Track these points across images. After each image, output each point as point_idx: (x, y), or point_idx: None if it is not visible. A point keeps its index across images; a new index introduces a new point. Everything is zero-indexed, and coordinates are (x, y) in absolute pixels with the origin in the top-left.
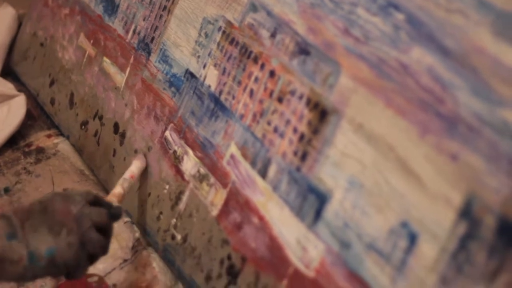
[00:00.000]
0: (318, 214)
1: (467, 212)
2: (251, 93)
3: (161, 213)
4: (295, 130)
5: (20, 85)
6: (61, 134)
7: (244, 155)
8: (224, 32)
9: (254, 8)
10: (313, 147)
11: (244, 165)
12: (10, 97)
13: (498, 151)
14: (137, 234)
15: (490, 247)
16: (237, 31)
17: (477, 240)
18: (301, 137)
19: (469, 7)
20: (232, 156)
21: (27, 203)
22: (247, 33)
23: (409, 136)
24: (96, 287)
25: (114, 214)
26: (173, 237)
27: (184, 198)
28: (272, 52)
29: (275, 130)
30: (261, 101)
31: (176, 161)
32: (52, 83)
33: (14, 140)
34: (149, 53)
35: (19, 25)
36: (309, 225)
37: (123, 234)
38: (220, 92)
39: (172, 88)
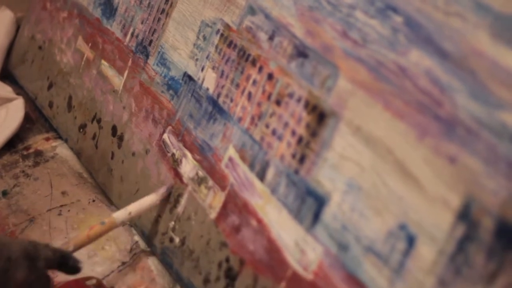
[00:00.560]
0: (316, 216)
1: (465, 215)
2: (249, 96)
3: (159, 216)
4: (293, 133)
5: (18, 88)
6: (59, 137)
7: (243, 158)
8: (222, 35)
9: (252, 11)
10: (311, 150)
11: (243, 168)
12: (8, 100)
13: (497, 154)
14: (136, 237)
15: (489, 250)
16: (235, 34)
17: (475, 242)
18: (299, 139)
19: (467, 9)
20: (230, 159)
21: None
22: (245, 36)
23: (407, 139)
24: None
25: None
26: (172, 240)
27: (183, 201)
28: (270, 55)
29: (273, 132)
30: (259, 104)
31: (174, 164)
32: (50, 86)
33: (12, 143)
34: (147, 56)
35: (17, 28)
36: (307, 227)
37: (121, 237)
38: (218, 95)
39: (170, 91)
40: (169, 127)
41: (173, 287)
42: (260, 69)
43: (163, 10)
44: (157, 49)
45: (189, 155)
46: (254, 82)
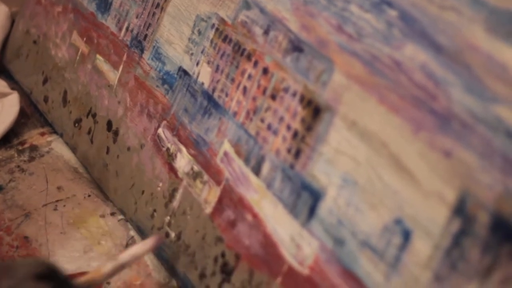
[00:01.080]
0: (312, 211)
1: (460, 209)
2: (245, 90)
3: (154, 210)
4: (288, 128)
5: (13, 83)
6: (54, 132)
7: (238, 153)
8: (217, 29)
9: (247, 5)
10: (307, 144)
11: (238, 163)
12: (3, 95)
13: (492, 148)
14: (131, 232)
15: (484, 244)
16: (230, 28)
17: (471, 237)
18: (295, 134)
19: (462, 3)
20: (225, 154)
21: None
22: (240, 31)
23: (402, 133)
24: None
25: None
26: (167, 235)
27: (178, 195)
28: (265, 49)
29: (269, 127)
30: (254, 99)
31: (169, 158)
32: (45, 81)
33: (7, 138)
34: (142, 51)
35: (12, 23)
36: (303, 222)
37: (116, 232)
38: (213, 90)
39: (165, 86)
40: (164, 122)
41: (169, 282)
42: (255, 63)
43: (158, 4)
44: (152, 43)
45: (184, 149)
46: (249, 76)
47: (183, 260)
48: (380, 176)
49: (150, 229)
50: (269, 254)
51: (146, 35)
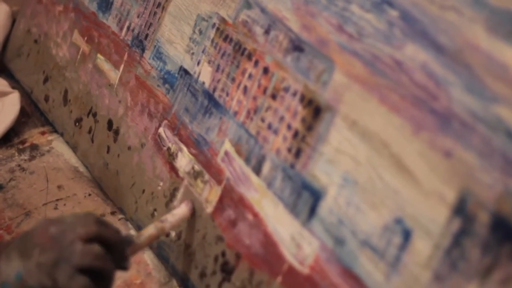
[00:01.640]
0: (312, 211)
1: (461, 209)
2: (245, 90)
3: (155, 210)
4: (289, 127)
5: (14, 82)
6: (55, 131)
7: (238, 152)
8: (218, 29)
9: (248, 5)
10: (307, 144)
11: (239, 162)
12: (4, 94)
13: (492, 148)
14: (132, 231)
15: (484, 244)
16: (231, 28)
17: (471, 236)
18: (295, 134)
19: (463, 4)
20: (226, 153)
21: None
22: (241, 30)
23: (403, 133)
24: None
25: (120, 240)
26: (168, 234)
27: (179, 195)
28: (266, 49)
29: (269, 127)
30: (255, 98)
31: (170, 158)
32: (46, 80)
33: (8, 137)
34: (143, 50)
35: (13, 22)
36: (304, 222)
37: None
38: (214, 89)
39: (166, 85)
40: (165, 121)
41: (169, 281)
42: (256, 63)
43: (159, 4)
44: (153, 43)
45: (184, 149)
46: (250, 76)
47: (183, 259)
48: (380, 176)
49: None
50: (269, 254)
51: (147, 35)
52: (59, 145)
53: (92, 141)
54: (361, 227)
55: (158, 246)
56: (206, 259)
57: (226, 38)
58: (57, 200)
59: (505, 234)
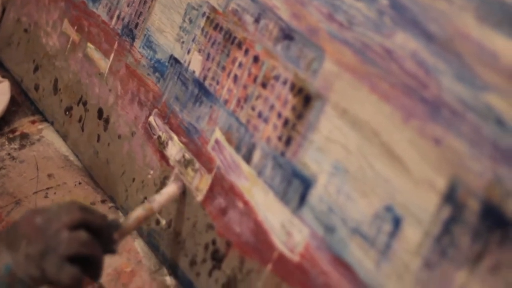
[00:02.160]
0: (302, 198)
1: (451, 196)
2: (235, 78)
3: (145, 198)
4: (279, 115)
5: (4, 71)
6: (45, 120)
7: (229, 140)
8: (208, 17)
9: None
10: (298, 132)
11: (229, 150)
12: None
13: (482, 136)
14: (122, 219)
15: (474, 231)
16: (221, 16)
17: (461, 224)
18: (286, 122)
19: None
20: (216, 141)
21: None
22: (231, 19)
23: (393, 121)
24: None
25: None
26: (158, 222)
27: (169, 183)
28: (256, 37)
29: (259, 115)
30: (245, 87)
31: (160, 146)
32: (36, 69)
33: None
34: (133, 39)
35: (3, 11)
36: (294, 209)
37: None
38: (204, 78)
39: (156, 74)
40: (155, 110)
41: (159, 269)
42: (246, 51)
43: None
44: (143, 32)
45: (175, 137)
46: (240, 64)
47: (173, 247)
48: (371, 164)
49: None
50: (260, 241)
51: (137, 24)
52: (49, 134)
53: (82, 130)
54: (352, 215)
55: (148, 234)
56: (197, 247)
57: (216, 27)
58: (48, 188)
59: (495, 222)
